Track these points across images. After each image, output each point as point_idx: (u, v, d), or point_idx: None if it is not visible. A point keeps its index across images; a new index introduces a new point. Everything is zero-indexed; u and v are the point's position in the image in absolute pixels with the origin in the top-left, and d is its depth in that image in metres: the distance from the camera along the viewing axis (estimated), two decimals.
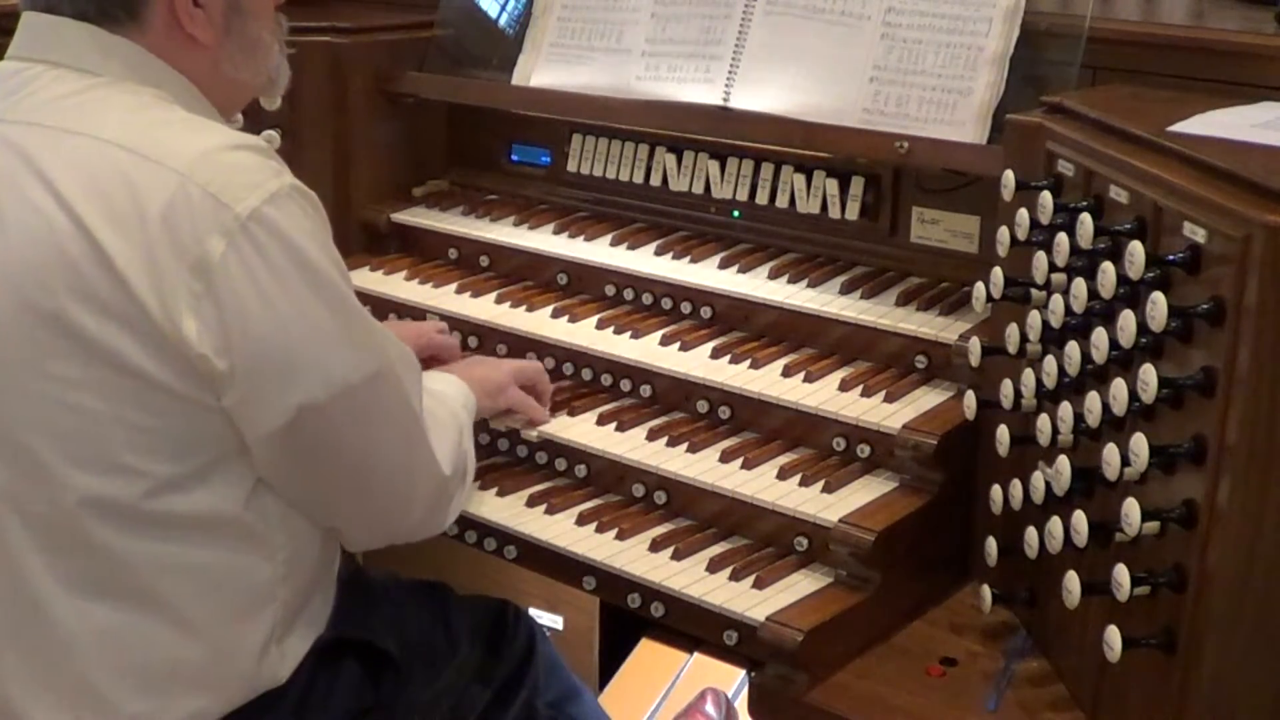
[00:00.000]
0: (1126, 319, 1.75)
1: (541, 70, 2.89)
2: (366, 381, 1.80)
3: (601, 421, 2.48)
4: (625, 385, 2.54)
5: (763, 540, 2.26)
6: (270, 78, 2.04)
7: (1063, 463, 1.87)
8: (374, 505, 1.95)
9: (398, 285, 2.89)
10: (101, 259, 1.68)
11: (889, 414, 2.26)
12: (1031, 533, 1.97)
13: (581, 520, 2.35)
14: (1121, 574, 1.73)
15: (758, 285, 2.58)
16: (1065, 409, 1.90)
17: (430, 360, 2.45)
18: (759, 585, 2.15)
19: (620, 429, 2.45)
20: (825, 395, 2.34)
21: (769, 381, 2.40)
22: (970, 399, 2.16)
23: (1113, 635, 1.74)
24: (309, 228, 1.76)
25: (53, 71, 1.83)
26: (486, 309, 2.75)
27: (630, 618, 2.40)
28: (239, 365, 1.71)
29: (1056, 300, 1.94)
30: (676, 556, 2.24)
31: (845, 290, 2.52)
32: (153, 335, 1.69)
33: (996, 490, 2.11)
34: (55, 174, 1.73)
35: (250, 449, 1.78)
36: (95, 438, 1.73)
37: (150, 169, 1.71)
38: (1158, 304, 1.69)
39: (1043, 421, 1.98)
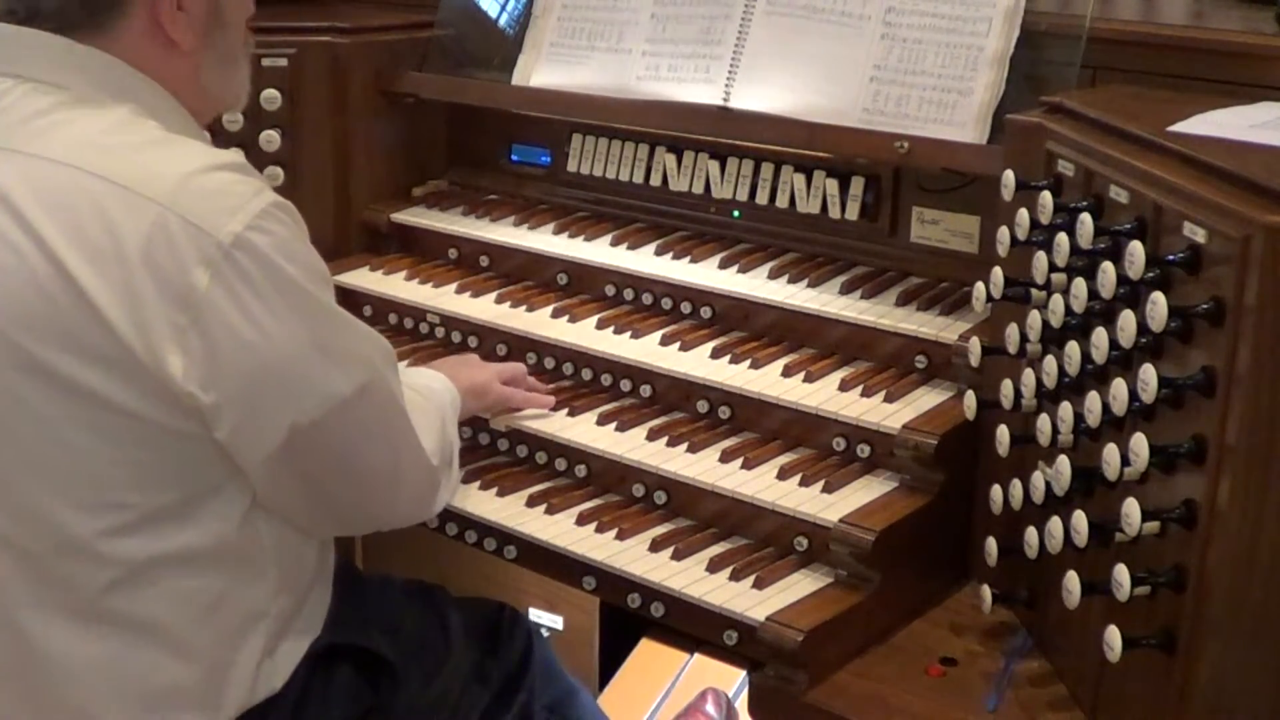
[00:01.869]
0: (1126, 319, 1.75)
1: (541, 70, 2.89)
2: (359, 392, 1.79)
3: (601, 421, 2.48)
4: (625, 385, 2.54)
5: (763, 540, 2.26)
6: (236, 94, 2.00)
7: (1063, 463, 1.87)
8: (366, 503, 1.95)
9: (398, 285, 2.90)
10: (80, 298, 1.65)
11: (889, 414, 2.26)
12: (1031, 533, 1.97)
13: (581, 520, 2.35)
14: (1121, 574, 1.73)
15: (758, 285, 2.58)
16: (1065, 409, 1.90)
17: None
18: (759, 585, 2.15)
19: (620, 429, 2.45)
20: (825, 395, 2.34)
21: (769, 381, 2.40)
22: (970, 399, 2.16)
23: (1113, 635, 1.74)
24: (292, 246, 1.73)
25: (22, 86, 1.77)
26: (486, 309, 2.75)
27: (630, 618, 2.40)
28: (229, 395, 1.69)
29: (1056, 300, 1.94)
30: (676, 556, 2.24)
31: (845, 290, 2.52)
32: (136, 373, 1.66)
33: (996, 490, 2.11)
34: (29, 208, 1.68)
35: (246, 472, 1.78)
36: (86, 474, 1.72)
37: (127, 200, 1.66)
38: (1158, 304, 1.69)
39: (1043, 421, 1.98)
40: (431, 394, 2.19)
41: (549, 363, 2.63)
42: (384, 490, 1.95)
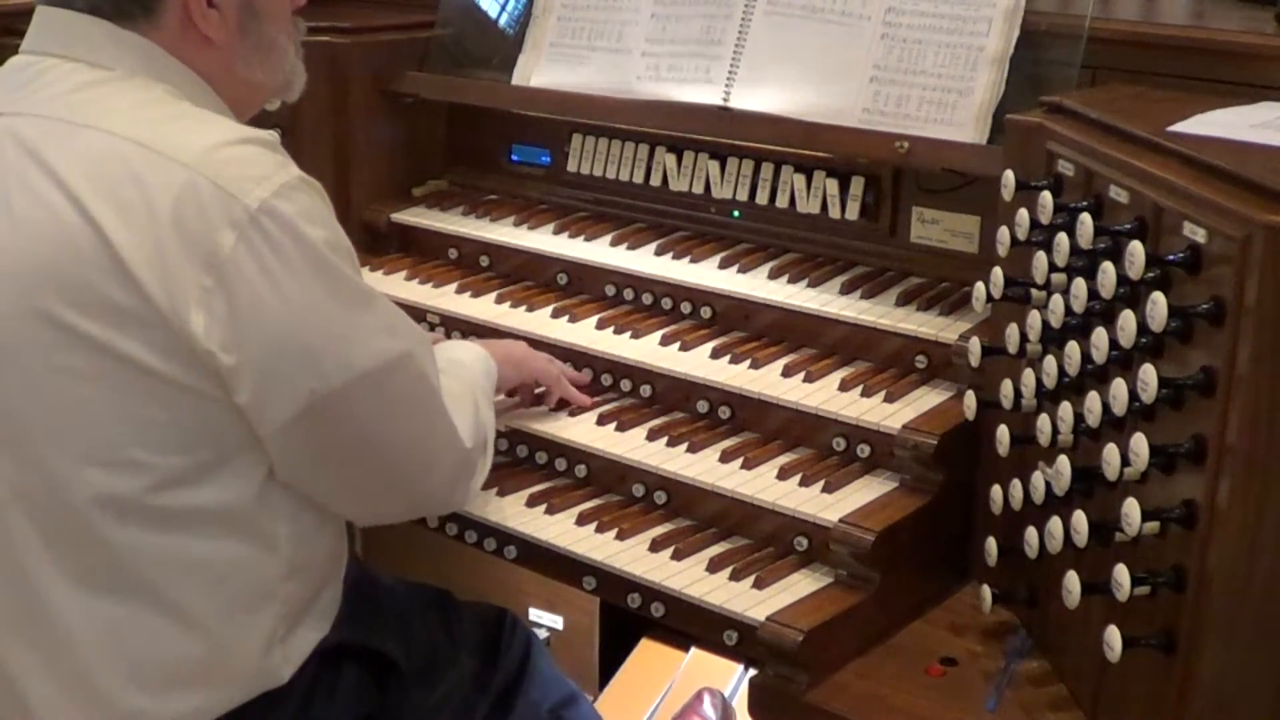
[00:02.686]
0: (1126, 319, 1.75)
1: (541, 70, 2.89)
2: (385, 367, 1.80)
3: (601, 421, 2.48)
4: (625, 385, 2.54)
5: (763, 540, 2.26)
6: (286, 80, 2.03)
7: (1063, 463, 1.87)
8: (398, 485, 1.95)
9: (398, 285, 2.90)
10: (110, 254, 1.68)
11: (889, 414, 2.26)
12: (1031, 533, 1.97)
13: (581, 520, 2.35)
14: (1121, 574, 1.73)
15: (758, 285, 2.58)
16: (1065, 409, 1.90)
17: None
18: (759, 585, 2.15)
19: (620, 429, 2.45)
20: (825, 395, 2.34)
21: (769, 381, 2.40)
22: (970, 399, 2.16)
23: (1113, 635, 1.74)
24: (318, 219, 1.76)
25: (65, 65, 1.83)
26: (486, 309, 2.75)
27: (630, 618, 2.41)
28: (250, 359, 1.70)
29: (1056, 300, 1.94)
30: (676, 556, 2.24)
31: (845, 290, 2.52)
32: (160, 330, 1.69)
33: (996, 490, 2.11)
34: (63, 168, 1.73)
35: (264, 442, 1.78)
36: (101, 431, 1.73)
37: (158, 163, 1.71)
38: (1158, 304, 1.69)
39: (1043, 421, 1.98)
40: (463, 369, 2.19)
41: None
42: (415, 474, 1.95)
